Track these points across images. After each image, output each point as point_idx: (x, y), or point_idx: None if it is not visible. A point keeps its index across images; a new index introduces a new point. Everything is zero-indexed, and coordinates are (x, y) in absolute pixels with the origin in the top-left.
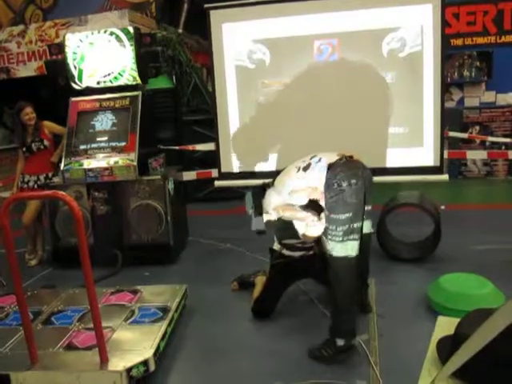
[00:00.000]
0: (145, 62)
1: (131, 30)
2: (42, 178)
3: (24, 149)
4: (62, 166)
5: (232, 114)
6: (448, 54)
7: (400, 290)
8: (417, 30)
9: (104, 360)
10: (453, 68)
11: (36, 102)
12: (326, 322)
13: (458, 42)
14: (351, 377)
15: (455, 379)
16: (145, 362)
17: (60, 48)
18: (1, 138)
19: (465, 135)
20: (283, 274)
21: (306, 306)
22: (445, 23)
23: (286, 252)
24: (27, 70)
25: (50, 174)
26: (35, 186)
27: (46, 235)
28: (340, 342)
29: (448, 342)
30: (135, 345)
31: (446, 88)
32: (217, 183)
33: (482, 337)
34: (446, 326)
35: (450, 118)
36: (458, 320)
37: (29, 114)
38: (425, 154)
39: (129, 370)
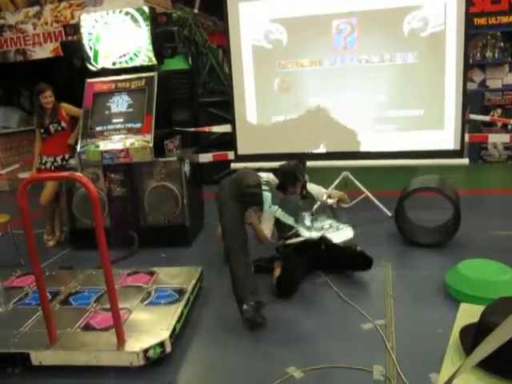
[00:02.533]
0: (160, 42)
1: (146, 9)
2: (58, 159)
3: (42, 130)
4: (78, 148)
5: (248, 95)
6: (470, 33)
7: (417, 274)
8: (440, 8)
9: (121, 341)
10: (475, 49)
11: (52, 83)
12: (340, 305)
13: (482, 21)
14: (367, 362)
15: (480, 370)
16: (161, 344)
17: (75, 29)
18: (18, 120)
19: (486, 118)
20: (295, 256)
21: (320, 288)
22: (469, 1)
23: (291, 241)
24: (43, 51)
25: (66, 156)
26: (52, 168)
27: (63, 216)
28: (244, 307)
29: (471, 330)
30: (152, 326)
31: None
32: (233, 165)
33: (508, 327)
34: (468, 313)
35: (471, 101)
36: (481, 308)
37: (47, 97)
38: (445, 137)
39: (145, 350)
